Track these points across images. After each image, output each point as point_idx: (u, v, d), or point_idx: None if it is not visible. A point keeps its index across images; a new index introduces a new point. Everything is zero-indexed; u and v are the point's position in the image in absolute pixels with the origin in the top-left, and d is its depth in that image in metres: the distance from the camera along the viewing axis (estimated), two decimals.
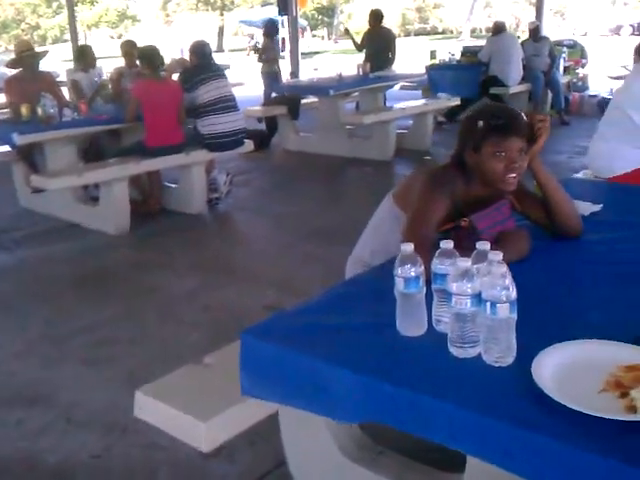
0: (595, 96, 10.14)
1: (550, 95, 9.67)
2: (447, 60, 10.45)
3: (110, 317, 3.78)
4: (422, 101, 8.36)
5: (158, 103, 5.32)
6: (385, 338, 1.62)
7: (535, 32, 9.55)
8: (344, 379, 1.50)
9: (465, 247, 1.98)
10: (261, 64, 10.02)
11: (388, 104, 8.87)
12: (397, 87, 9.85)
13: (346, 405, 1.51)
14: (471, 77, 9.30)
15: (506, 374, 1.44)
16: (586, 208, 2.45)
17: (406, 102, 7.99)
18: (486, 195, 2.10)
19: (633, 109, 3.77)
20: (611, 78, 10.88)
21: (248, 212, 5.94)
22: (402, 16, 40.43)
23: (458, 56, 10.58)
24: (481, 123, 1.99)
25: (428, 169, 2.15)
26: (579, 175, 4.19)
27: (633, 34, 30.97)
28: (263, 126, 8.39)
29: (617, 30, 32.12)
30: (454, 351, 1.51)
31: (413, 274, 1.57)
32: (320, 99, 7.90)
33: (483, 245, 1.58)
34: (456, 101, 8.35)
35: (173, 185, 5.92)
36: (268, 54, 9.90)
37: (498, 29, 9.34)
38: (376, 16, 9.13)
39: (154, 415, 1.94)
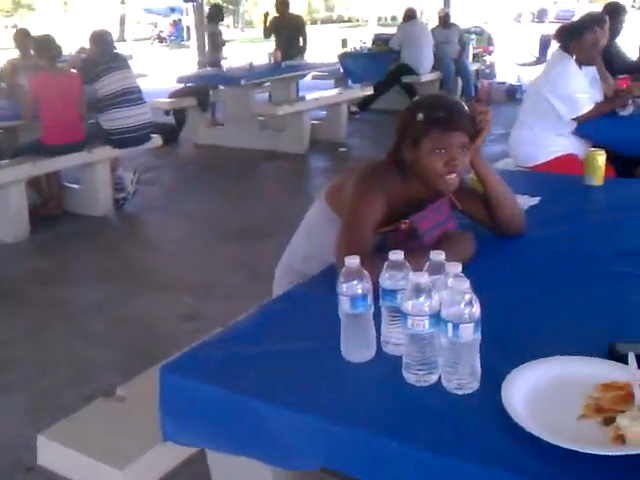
0: (503, 83, 10.28)
1: (460, 83, 9.72)
2: (359, 49, 10.33)
3: (10, 337, 3.41)
4: (335, 91, 8.21)
5: (56, 97, 4.90)
6: (329, 366, 1.41)
7: (445, 19, 9.56)
8: (284, 419, 1.28)
9: (406, 251, 1.83)
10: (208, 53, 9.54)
11: (301, 94, 8.67)
12: (308, 77, 9.64)
13: (289, 450, 1.30)
14: (383, 65, 9.21)
15: (472, 402, 1.26)
16: (524, 202, 2.32)
17: (319, 92, 7.81)
18: (425, 193, 1.92)
19: (553, 95, 3.73)
20: (518, 65, 11.06)
21: (159, 212, 5.59)
22: (308, 4, 40.29)
23: (369, 44, 10.49)
24: (421, 116, 1.80)
25: (361, 167, 1.95)
26: (500, 164, 4.11)
27: (533, 21, 32.02)
28: (172, 119, 8.01)
29: (518, 17, 33.11)
30: (410, 378, 1.32)
31: (360, 291, 1.37)
32: (231, 89, 7.60)
33: (437, 255, 1.39)
34: (369, 90, 8.24)
35: (75, 186, 5.49)
36: (215, 40, 9.43)
37: (409, 16, 9.28)
38: (283, 3, 8.91)
39: (61, 463, 1.66)
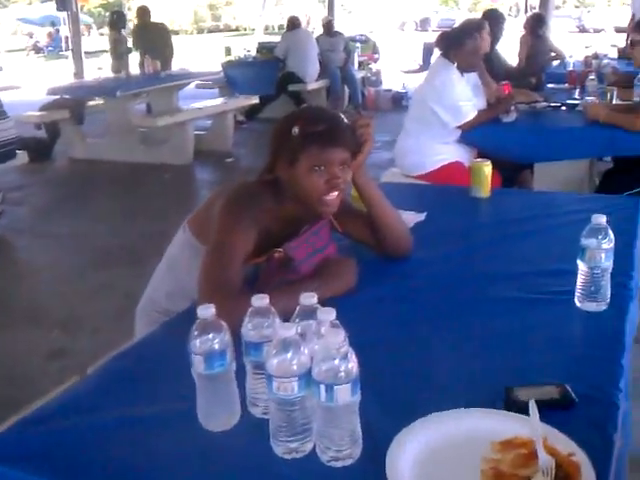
0: (389, 90, 10.34)
1: (347, 91, 9.68)
2: (243, 57, 10.10)
3: None
4: (220, 100, 7.94)
5: None
6: (184, 437, 1.16)
7: (329, 27, 9.49)
8: None
9: (279, 284, 1.61)
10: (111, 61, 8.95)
11: (184, 104, 8.32)
12: (192, 85, 9.31)
13: None
14: (268, 74, 9.02)
15: (352, 476, 1.05)
16: (410, 219, 2.16)
17: (203, 101, 7.52)
18: (303, 216, 1.71)
19: (437, 104, 3.64)
20: (403, 72, 11.17)
21: (27, 235, 5.12)
22: (194, 13, 39.69)
23: (254, 52, 10.28)
24: (297, 130, 1.58)
25: (229, 189, 1.70)
26: (387, 174, 3.99)
27: (417, 29, 32.88)
28: (43, 133, 7.48)
29: (402, 26, 33.90)
30: (278, 449, 1.10)
31: (217, 347, 1.13)
32: (107, 101, 7.17)
33: (308, 299, 1.18)
34: (255, 99, 8.03)
35: None
36: (118, 48, 8.81)
37: (293, 24, 9.16)
38: (144, 11, 8.60)
39: None
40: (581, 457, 1.01)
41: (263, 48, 10.33)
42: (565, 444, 1.04)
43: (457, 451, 1.07)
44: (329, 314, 1.11)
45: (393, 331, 1.50)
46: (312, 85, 9.08)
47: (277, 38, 10.08)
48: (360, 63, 10.40)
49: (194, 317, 1.14)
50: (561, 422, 1.08)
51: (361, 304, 1.60)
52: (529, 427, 1.08)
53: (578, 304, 1.55)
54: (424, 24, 34.03)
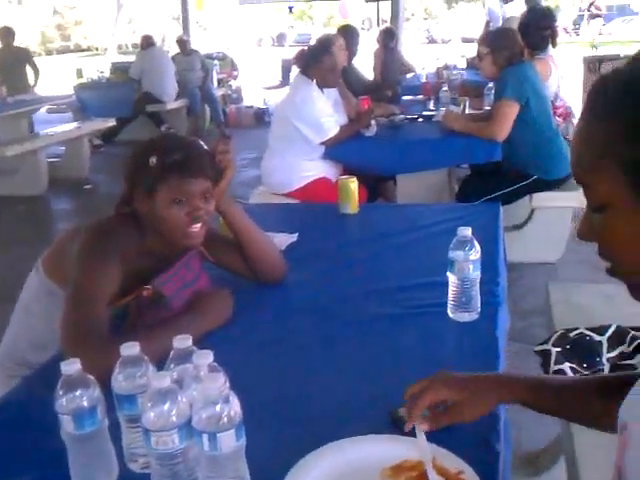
0: (251, 107, 10.34)
1: (208, 109, 9.58)
2: (96, 78, 9.75)
3: None
4: (74, 124, 7.58)
5: None
6: None
7: (184, 45, 9.35)
8: None
9: (151, 324, 1.53)
10: None
11: (39, 129, 7.91)
12: (43, 110, 8.88)
13: None
14: (124, 95, 8.75)
15: None
16: (282, 241, 2.14)
17: (55, 127, 7.15)
18: (168, 249, 1.63)
19: (300, 121, 3.67)
20: (264, 88, 11.22)
21: None
22: (42, 34, 37.96)
23: (108, 74, 9.95)
24: (154, 160, 1.50)
25: (86, 227, 1.59)
26: (255, 193, 3.96)
27: (274, 45, 33.23)
28: None
29: (259, 42, 34.14)
30: None
31: (86, 404, 1.05)
32: None
33: (183, 342, 1.12)
34: (111, 122, 7.75)
35: None
36: None
37: (147, 43, 8.93)
38: (8, 32, 8.13)
39: None
40: (470, 474, 1.02)
41: (117, 69, 10.03)
42: (453, 462, 1.05)
43: (354, 477, 1.04)
44: (206, 358, 1.05)
45: (274, 362, 1.46)
46: (171, 105, 8.90)
47: (131, 58, 9.80)
48: (219, 81, 10.33)
49: (58, 370, 1.05)
50: (446, 438, 1.08)
51: (238, 335, 1.56)
52: (417, 449, 1.07)
53: (451, 315, 1.59)
54: (280, 40, 34.46)
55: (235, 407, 0.98)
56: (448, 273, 1.56)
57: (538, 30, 4.29)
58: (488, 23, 8.85)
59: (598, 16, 10.42)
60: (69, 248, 1.56)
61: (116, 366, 1.09)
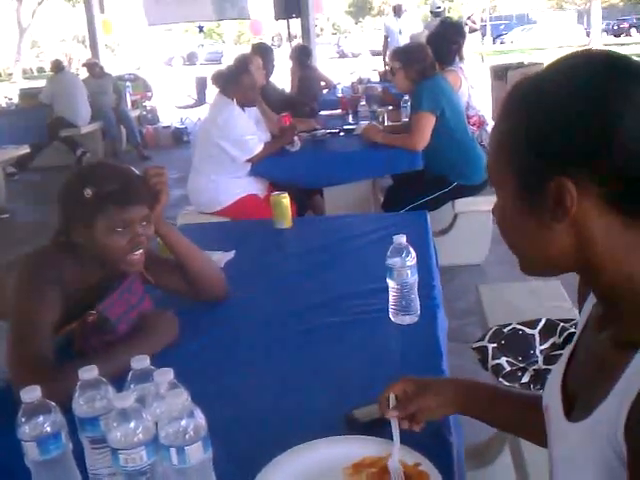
0: (169, 127, 10.24)
1: (124, 131, 9.44)
2: (5, 105, 9.46)
3: None
4: None
5: None
6: None
7: (94, 69, 9.19)
8: None
9: (97, 348, 1.54)
10: None
11: None
12: None
13: None
14: (36, 121, 8.52)
15: None
16: (220, 259, 2.17)
17: None
18: (108, 274, 1.64)
19: (224, 140, 3.70)
20: (179, 108, 11.13)
21: None
22: None
23: (16, 100, 9.67)
24: (89, 192, 1.50)
25: (22, 259, 1.58)
26: (184, 214, 3.96)
27: (185, 64, 33.01)
28: None
29: (169, 61, 33.83)
30: None
31: (50, 429, 1.05)
32: None
33: (140, 362, 1.13)
34: (25, 148, 7.53)
35: None
36: None
37: (58, 68, 8.72)
38: None
39: None
40: (427, 465, 1.08)
41: (26, 94, 9.76)
42: (411, 455, 1.10)
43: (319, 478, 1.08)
44: (167, 375, 1.08)
45: (224, 379, 1.48)
46: (85, 128, 8.72)
47: (38, 82, 9.58)
48: (133, 102, 10.19)
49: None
50: (402, 434, 1.13)
51: (185, 356, 1.57)
52: (374, 446, 1.13)
53: (393, 319, 1.65)
54: (191, 58, 34.30)
55: (200, 420, 1.01)
56: (387, 279, 1.63)
57: (448, 44, 4.48)
58: (386, 38, 9.14)
59: (474, 30, 10.96)
60: (5, 281, 1.54)
61: (76, 390, 1.10)
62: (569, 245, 0.81)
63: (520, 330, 1.84)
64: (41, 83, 9.85)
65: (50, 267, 1.53)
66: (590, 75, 0.78)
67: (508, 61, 9.38)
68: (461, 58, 4.64)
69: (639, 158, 0.74)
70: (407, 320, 1.64)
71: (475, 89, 4.63)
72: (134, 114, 9.86)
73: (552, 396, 0.93)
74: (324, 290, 1.92)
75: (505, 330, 1.92)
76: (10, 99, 9.72)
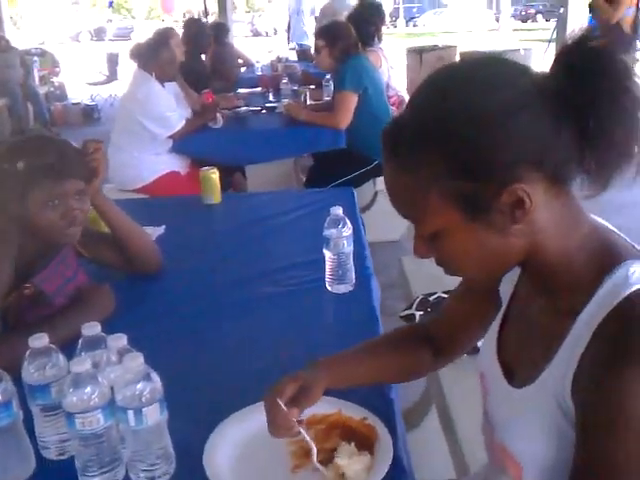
0: (78, 104, 9.91)
1: (31, 108, 9.08)
2: None
3: None
4: None
5: None
6: None
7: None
8: None
9: (33, 320, 1.53)
10: None
11: None
12: None
13: None
14: None
15: None
16: (150, 234, 2.16)
17: None
18: (44, 248, 1.62)
19: (144, 117, 3.64)
20: (89, 84, 10.79)
21: None
22: None
23: None
24: (21, 165, 1.47)
25: None
26: (104, 189, 3.86)
27: (93, 39, 31.86)
28: None
29: (76, 37, 32.56)
30: None
31: (0, 397, 1.05)
32: None
33: (91, 329, 1.15)
34: None
35: None
36: None
37: None
38: None
39: None
40: (373, 419, 1.14)
41: None
42: (357, 411, 1.17)
43: (264, 441, 1.12)
44: (120, 340, 1.10)
45: (165, 349, 1.47)
46: None
47: None
48: (41, 78, 9.80)
49: None
50: (348, 393, 1.19)
51: (121, 328, 1.56)
52: (322, 404, 1.18)
53: (329, 288, 1.71)
54: (99, 33, 33.12)
55: (156, 382, 1.04)
56: (324, 250, 1.69)
57: (367, 24, 4.54)
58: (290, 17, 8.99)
59: None
60: None
61: (25, 358, 1.10)
62: (525, 238, 0.83)
63: (445, 298, 1.94)
64: None
65: (2, 237, 1.50)
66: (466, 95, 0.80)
67: (421, 44, 9.59)
68: (380, 39, 4.72)
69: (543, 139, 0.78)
70: (342, 289, 1.70)
71: (394, 69, 4.72)
72: (42, 90, 9.49)
73: (489, 364, 0.99)
74: (259, 263, 1.95)
75: (431, 299, 2.01)
76: None
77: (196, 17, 5.26)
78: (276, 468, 1.09)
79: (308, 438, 1.07)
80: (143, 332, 1.55)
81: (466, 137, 0.79)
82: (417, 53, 7.45)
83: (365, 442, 1.10)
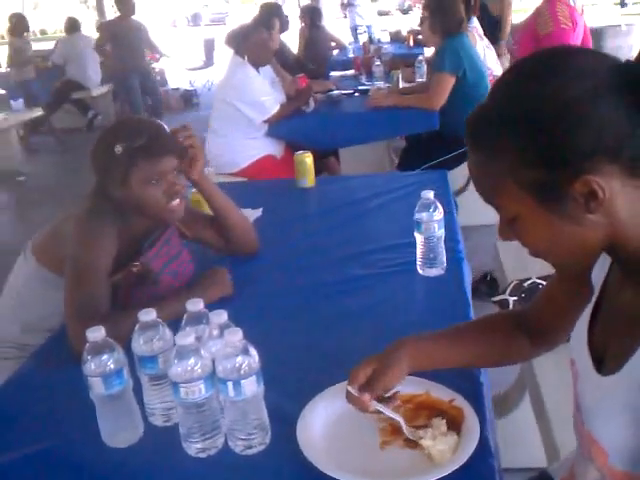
0: (177, 89, 10.22)
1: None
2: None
3: None
4: (0, 116, 7.36)
5: None
6: (90, 460, 1.16)
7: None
8: None
9: (141, 297, 1.63)
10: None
11: None
12: None
13: None
14: (49, 83, 8.51)
15: (268, 460, 1.12)
16: (248, 216, 2.23)
17: None
18: (150, 228, 1.72)
19: (240, 102, 3.74)
20: (188, 70, 11.10)
21: None
22: None
23: None
24: (120, 149, 1.56)
25: (78, 212, 1.64)
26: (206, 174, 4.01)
27: (189, 25, 32.59)
28: None
29: (174, 23, 33.41)
30: (191, 449, 1.14)
31: (113, 366, 1.14)
32: None
33: (195, 305, 1.23)
34: (38, 111, 7.57)
35: None
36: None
37: (72, 28, 8.62)
38: None
39: None
40: (461, 401, 1.17)
41: (36, 56, 9.72)
42: (445, 393, 1.19)
43: (354, 418, 1.17)
44: (221, 316, 1.17)
45: (266, 324, 1.56)
46: (97, 90, 8.73)
47: (44, 44, 9.46)
48: None
49: (59, 346, 1.14)
50: (438, 375, 1.22)
51: (227, 304, 1.65)
52: (409, 384, 1.21)
53: (420, 272, 1.73)
54: (196, 19, 33.79)
55: (254, 356, 1.10)
56: (415, 233, 1.71)
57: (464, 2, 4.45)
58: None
59: None
60: (63, 235, 1.63)
61: (136, 331, 1.19)
62: (603, 229, 0.83)
63: (540, 284, 1.92)
64: (45, 45, 9.75)
65: (104, 219, 1.60)
66: (558, 77, 0.81)
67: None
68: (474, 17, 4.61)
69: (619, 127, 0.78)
70: (434, 272, 1.72)
71: (490, 49, 4.62)
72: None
73: (579, 352, 0.99)
74: (351, 245, 1.99)
75: (525, 284, 1.99)
76: None
77: (273, 2, 5.22)
78: (366, 444, 1.13)
79: (392, 415, 1.11)
80: (242, 309, 1.65)
81: (541, 125, 0.80)
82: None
83: (453, 423, 1.13)
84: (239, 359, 1.08)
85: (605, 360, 0.94)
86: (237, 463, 1.12)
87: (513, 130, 0.83)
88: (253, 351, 1.10)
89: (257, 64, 3.84)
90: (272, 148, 3.90)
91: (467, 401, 1.17)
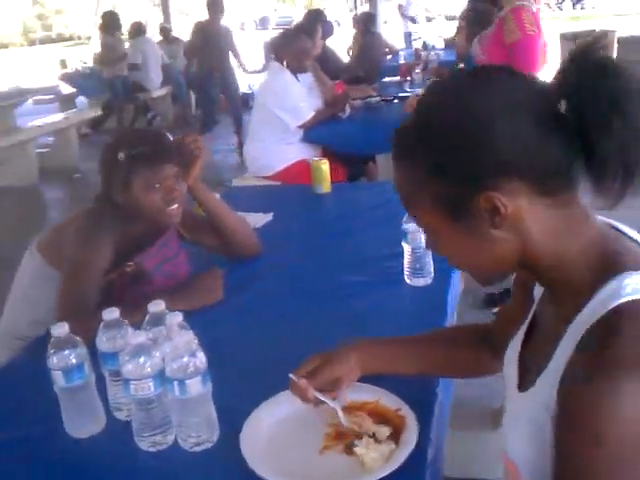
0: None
1: (193, 96, 9.64)
2: (79, 69, 9.78)
3: None
4: (61, 115, 7.68)
5: None
6: (51, 451, 1.23)
7: (166, 34, 9.40)
8: None
9: (133, 297, 1.69)
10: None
11: (22, 122, 7.97)
12: (30, 102, 8.93)
13: None
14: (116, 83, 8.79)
15: (214, 457, 1.16)
16: (257, 220, 2.29)
17: (43, 118, 7.25)
18: (149, 231, 1.79)
19: (277, 107, 3.80)
20: (248, 73, 11.24)
21: None
22: (22, 24, 37.66)
23: (91, 63, 9.97)
24: (122, 155, 1.65)
25: (78, 214, 1.76)
26: (239, 178, 4.11)
27: (257, 29, 33.01)
28: None
29: (242, 26, 33.92)
30: (143, 444, 1.19)
31: (74, 360, 1.21)
32: None
33: (156, 306, 1.27)
34: (98, 110, 7.86)
35: None
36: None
37: (137, 31, 8.91)
38: None
39: None
40: (406, 410, 1.18)
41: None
42: (394, 401, 1.21)
43: (305, 420, 1.20)
44: (176, 317, 1.21)
45: (255, 328, 1.60)
46: (156, 92, 8.99)
47: None
48: None
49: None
50: (393, 382, 1.23)
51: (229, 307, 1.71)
52: (365, 392, 1.23)
53: (408, 281, 1.74)
54: (263, 23, 34.22)
55: (201, 358, 1.14)
56: (403, 243, 1.72)
57: None
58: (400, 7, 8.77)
59: None
60: (66, 235, 1.72)
61: (100, 328, 1.25)
62: (512, 244, 0.84)
63: None
64: None
65: (104, 222, 1.69)
66: (461, 94, 0.84)
67: (582, 28, 9.08)
68: None
69: (523, 146, 0.79)
70: (421, 282, 1.73)
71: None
72: None
73: (509, 367, 1.00)
74: (351, 252, 2.02)
75: None
76: (85, 63, 10.01)
77: (317, 8, 5.28)
78: (308, 448, 1.15)
79: (330, 402, 1.16)
80: (239, 311, 1.70)
81: (450, 140, 0.82)
82: (571, 39, 7.06)
83: (395, 432, 1.14)
84: (185, 360, 1.13)
85: (525, 376, 0.94)
86: (186, 459, 1.17)
87: (427, 143, 0.85)
88: (201, 354, 1.14)
89: (296, 70, 3.90)
90: (307, 153, 3.94)
91: (413, 411, 1.17)
